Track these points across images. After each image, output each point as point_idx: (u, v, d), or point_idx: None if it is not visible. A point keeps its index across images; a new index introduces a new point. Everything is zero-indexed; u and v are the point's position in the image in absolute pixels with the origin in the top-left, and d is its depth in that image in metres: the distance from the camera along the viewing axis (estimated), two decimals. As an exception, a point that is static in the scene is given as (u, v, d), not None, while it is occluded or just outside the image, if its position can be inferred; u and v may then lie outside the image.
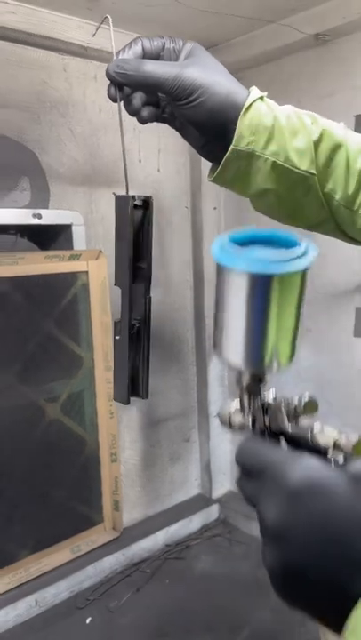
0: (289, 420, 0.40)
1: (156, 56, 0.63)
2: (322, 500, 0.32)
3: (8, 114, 1.19)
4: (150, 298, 0.75)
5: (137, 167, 1.44)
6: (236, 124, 0.58)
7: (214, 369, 1.66)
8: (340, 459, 0.37)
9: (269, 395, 0.42)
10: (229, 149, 0.59)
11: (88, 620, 1.25)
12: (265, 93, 0.61)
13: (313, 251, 0.38)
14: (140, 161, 1.44)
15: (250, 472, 0.37)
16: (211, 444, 1.69)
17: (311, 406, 0.40)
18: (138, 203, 0.78)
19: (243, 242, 0.38)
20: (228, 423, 0.46)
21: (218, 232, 1.60)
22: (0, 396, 1.22)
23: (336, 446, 0.37)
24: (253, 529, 1.58)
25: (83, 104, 1.30)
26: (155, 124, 1.45)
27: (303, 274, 0.37)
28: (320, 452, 0.38)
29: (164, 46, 0.62)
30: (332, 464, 0.36)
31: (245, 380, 0.41)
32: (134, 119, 1.41)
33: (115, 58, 0.63)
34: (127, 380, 0.75)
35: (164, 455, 1.63)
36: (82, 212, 1.30)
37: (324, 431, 0.38)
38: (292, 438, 0.40)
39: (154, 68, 0.58)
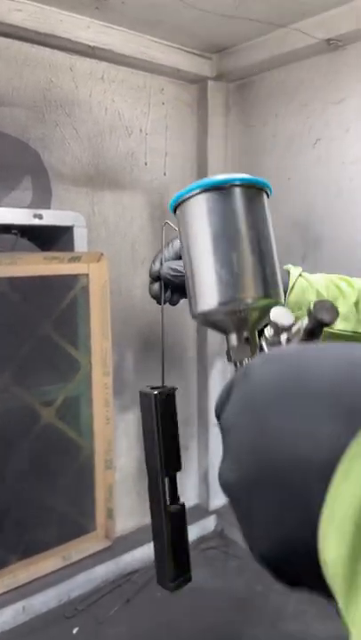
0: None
1: None
2: (277, 364, 0.27)
3: (12, 112, 1.17)
4: (173, 513, 0.64)
5: (143, 170, 1.42)
6: (284, 304, 0.62)
7: (215, 377, 1.63)
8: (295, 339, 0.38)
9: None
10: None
11: (75, 631, 1.22)
12: (300, 269, 0.65)
13: (261, 181, 0.41)
14: (145, 164, 1.42)
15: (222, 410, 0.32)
16: (210, 453, 1.66)
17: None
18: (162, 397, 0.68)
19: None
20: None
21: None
22: (-6, 397, 1.20)
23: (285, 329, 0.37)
24: (250, 543, 1.54)
25: (88, 104, 1.29)
26: (163, 125, 1.44)
27: (253, 192, 0.40)
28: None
29: None
30: None
31: (232, 343, 0.41)
32: (140, 120, 1.40)
33: (159, 262, 0.62)
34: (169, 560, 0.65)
35: (161, 463, 1.60)
36: (84, 213, 1.28)
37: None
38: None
39: None
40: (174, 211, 0.49)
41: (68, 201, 1.28)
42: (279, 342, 0.38)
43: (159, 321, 1.66)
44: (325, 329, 0.62)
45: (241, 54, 1.36)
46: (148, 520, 1.73)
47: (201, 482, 1.70)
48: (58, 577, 1.32)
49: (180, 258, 0.61)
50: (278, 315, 0.37)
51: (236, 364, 0.41)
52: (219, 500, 1.70)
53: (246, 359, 0.41)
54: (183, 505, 0.65)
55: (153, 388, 0.69)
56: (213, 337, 1.61)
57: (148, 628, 1.24)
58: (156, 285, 0.65)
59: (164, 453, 0.68)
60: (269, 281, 0.41)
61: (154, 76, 1.40)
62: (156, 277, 0.64)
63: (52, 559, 1.33)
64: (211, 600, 1.34)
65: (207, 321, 0.42)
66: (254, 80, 1.45)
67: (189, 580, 0.74)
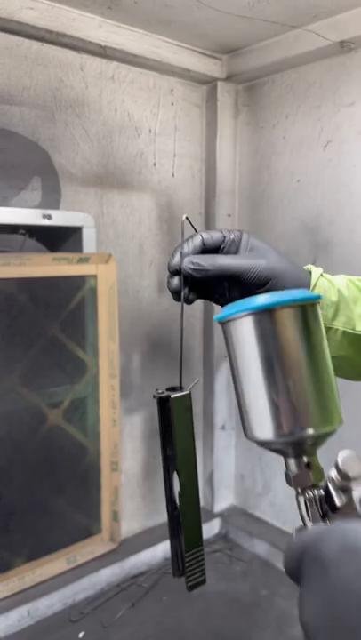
0: (338, 494, 0.35)
1: (216, 248, 0.63)
2: None
3: (22, 111, 1.16)
4: (180, 494, 0.68)
5: (151, 171, 1.41)
6: None
7: (221, 379, 1.62)
8: None
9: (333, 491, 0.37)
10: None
11: (81, 635, 1.21)
12: (321, 269, 0.65)
13: (314, 294, 0.38)
14: (154, 164, 1.41)
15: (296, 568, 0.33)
16: (215, 456, 1.65)
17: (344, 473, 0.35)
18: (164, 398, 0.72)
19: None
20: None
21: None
22: (1, 399, 1.19)
23: None
24: (255, 546, 1.54)
25: (98, 104, 1.28)
26: (172, 126, 1.43)
27: (306, 310, 0.36)
28: None
29: (224, 240, 0.62)
30: None
31: (291, 469, 0.37)
32: (149, 121, 1.39)
33: (180, 253, 0.62)
34: (173, 555, 0.69)
35: (166, 466, 1.59)
36: (93, 214, 1.27)
37: None
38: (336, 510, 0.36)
39: (229, 263, 0.60)
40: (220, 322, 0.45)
41: (77, 202, 1.27)
42: (349, 489, 0.35)
43: (166, 323, 1.66)
44: (347, 330, 0.61)
45: (252, 55, 1.35)
46: (152, 522, 1.73)
47: (205, 484, 1.69)
48: (63, 580, 1.31)
49: (200, 252, 0.61)
50: (347, 462, 0.35)
51: (296, 490, 0.38)
52: (223, 502, 1.69)
53: (309, 491, 0.37)
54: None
55: (170, 389, 0.69)
56: (220, 340, 1.60)
57: (153, 632, 1.23)
58: (176, 279, 0.64)
59: (179, 454, 0.69)
60: (330, 406, 0.38)
61: (163, 76, 1.39)
62: (175, 271, 0.63)
63: (57, 562, 1.33)
64: (216, 604, 1.33)
65: (262, 445, 0.39)
66: (265, 81, 1.44)
67: (204, 581, 0.75)
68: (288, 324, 0.36)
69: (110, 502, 1.41)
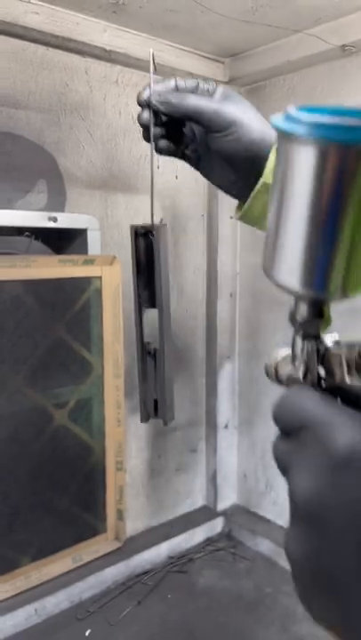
0: (350, 372, 0.31)
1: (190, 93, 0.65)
2: None
3: (28, 115, 1.18)
4: (165, 323, 0.73)
5: (155, 173, 1.42)
6: (267, 162, 0.60)
7: (224, 380, 1.64)
8: None
9: (329, 339, 0.33)
10: (259, 182, 0.60)
11: (87, 633, 1.23)
12: None
13: None
14: (158, 167, 1.42)
15: (288, 430, 0.29)
16: (218, 455, 1.66)
17: None
18: (141, 231, 0.79)
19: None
20: (274, 374, 0.36)
21: (234, 241, 1.58)
22: (8, 399, 1.21)
23: None
24: (258, 544, 1.55)
25: (103, 108, 1.29)
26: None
27: None
28: None
29: (197, 86, 0.63)
30: None
31: (301, 313, 0.32)
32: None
33: (149, 89, 0.64)
34: (141, 401, 0.75)
35: (170, 465, 1.61)
36: (97, 216, 1.28)
37: None
38: (353, 396, 0.31)
39: (196, 101, 0.60)
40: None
41: (82, 204, 1.28)
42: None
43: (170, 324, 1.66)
44: None
45: (254, 59, 1.37)
46: (156, 522, 1.74)
47: (209, 483, 1.70)
48: (69, 579, 1.32)
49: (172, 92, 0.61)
50: None
51: (301, 337, 0.34)
52: (226, 501, 1.71)
53: (313, 341, 0.33)
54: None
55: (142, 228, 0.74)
56: (223, 339, 1.62)
57: (159, 630, 1.25)
58: (146, 113, 0.63)
59: (141, 290, 0.74)
60: None
61: (166, 79, 1.40)
62: (145, 105, 0.63)
63: (62, 561, 1.34)
64: (220, 601, 1.35)
65: (279, 287, 0.33)
66: (267, 84, 1.45)
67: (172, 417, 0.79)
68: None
69: (115, 501, 1.42)
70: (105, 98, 1.29)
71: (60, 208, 1.25)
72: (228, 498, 1.72)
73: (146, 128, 0.66)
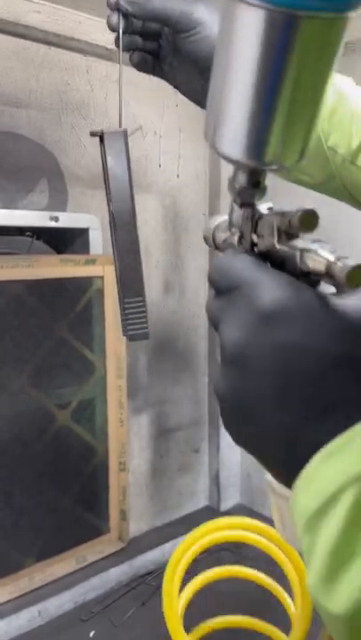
0: (280, 238, 0.32)
1: None
2: (293, 328, 0.28)
3: (29, 114, 1.17)
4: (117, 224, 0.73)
5: (157, 172, 1.42)
6: None
7: (226, 379, 1.63)
8: (331, 289, 0.29)
9: (264, 206, 0.34)
10: None
11: (92, 634, 1.22)
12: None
13: None
14: (159, 166, 1.42)
15: (221, 290, 0.32)
16: (220, 455, 1.66)
17: (310, 221, 0.30)
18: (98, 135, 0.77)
19: None
20: (211, 240, 0.38)
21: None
22: (11, 400, 1.20)
23: (328, 274, 0.28)
24: (262, 544, 1.55)
25: (104, 107, 1.28)
26: (176, 127, 1.44)
27: (342, 25, 0.26)
28: (310, 279, 0.30)
29: None
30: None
31: (240, 181, 0.33)
32: (154, 123, 1.40)
33: None
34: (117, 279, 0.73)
35: (172, 465, 1.60)
36: (99, 216, 1.28)
37: (318, 253, 0.29)
38: (280, 259, 0.32)
39: (164, 1, 0.59)
40: None
41: (84, 203, 1.28)
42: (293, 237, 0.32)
43: (172, 323, 1.67)
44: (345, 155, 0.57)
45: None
46: (160, 522, 1.73)
47: (212, 483, 1.70)
48: (73, 579, 1.32)
49: None
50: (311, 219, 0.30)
51: (238, 204, 0.35)
52: (230, 501, 1.70)
53: (248, 208, 0.34)
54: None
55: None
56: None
57: (164, 631, 1.24)
58: (115, 16, 0.61)
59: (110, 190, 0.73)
60: (305, 144, 0.31)
61: (167, 78, 1.39)
62: (114, 8, 0.61)
63: (66, 561, 1.34)
64: (226, 601, 1.34)
65: (223, 157, 0.33)
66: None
67: (146, 336, 0.78)
68: (303, 44, 0.26)
69: (118, 502, 1.41)
70: (106, 97, 1.28)
71: (62, 207, 1.25)
72: (231, 498, 1.71)
73: (115, 31, 0.65)
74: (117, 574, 1.39)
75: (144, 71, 0.68)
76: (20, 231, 1.22)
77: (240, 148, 0.30)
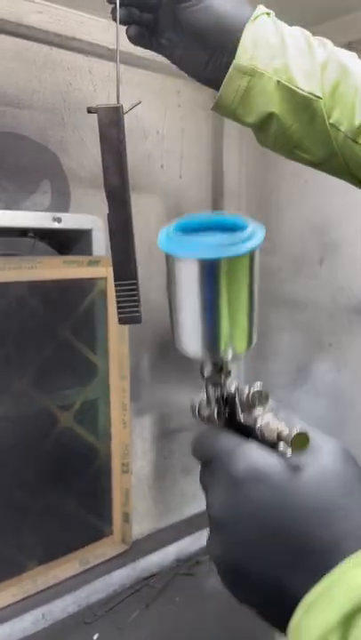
0: (243, 411, 0.40)
1: None
2: (263, 489, 0.32)
3: (32, 115, 1.17)
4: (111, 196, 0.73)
5: (159, 173, 1.41)
6: (240, 37, 0.58)
7: (230, 380, 1.62)
8: (288, 451, 0.35)
9: (232, 386, 0.42)
10: (232, 65, 0.59)
11: (95, 637, 1.22)
12: (272, 11, 0.62)
13: (260, 232, 0.37)
14: (162, 166, 1.42)
15: (204, 462, 0.38)
16: (224, 457, 1.65)
17: (260, 397, 0.40)
18: (93, 111, 0.76)
19: (189, 229, 0.38)
20: (197, 415, 0.46)
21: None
22: (13, 402, 1.20)
23: (280, 438, 0.36)
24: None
25: (107, 107, 1.28)
26: (179, 128, 1.43)
27: (251, 256, 0.37)
28: (271, 444, 0.37)
29: None
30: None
31: (207, 370, 0.42)
32: (157, 123, 1.39)
33: None
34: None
35: (175, 467, 1.60)
36: (102, 217, 1.27)
37: (270, 423, 0.37)
38: (247, 429, 0.39)
39: None
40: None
41: (86, 204, 1.27)
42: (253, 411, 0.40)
43: (176, 324, 1.65)
44: (281, 81, 0.59)
45: (258, 57, 1.36)
46: (163, 524, 1.73)
47: (215, 485, 1.69)
48: (76, 582, 1.31)
49: None
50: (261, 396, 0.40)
51: (207, 387, 0.44)
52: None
53: (219, 388, 0.42)
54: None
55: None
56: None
57: (169, 633, 1.23)
58: None
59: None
60: (249, 335, 0.40)
61: (170, 78, 1.39)
62: None
63: (69, 564, 1.33)
64: (230, 605, 1.33)
65: (187, 356, 0.43)
66: (271, 82, 1.44)
67: (139, 320, 0.78)
68: (227, 275, 0.36)
69: (121, 504, 1.41)
70: (109, 97, 1.28)
71: (65, 208, 1.24)
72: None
73: (114, 5, 0.65)
74: (121, 577, 1.38)
75: (141, 45, 0.67)
76: (22, 232, 1.22)
77: (200, 347, 0.39)
